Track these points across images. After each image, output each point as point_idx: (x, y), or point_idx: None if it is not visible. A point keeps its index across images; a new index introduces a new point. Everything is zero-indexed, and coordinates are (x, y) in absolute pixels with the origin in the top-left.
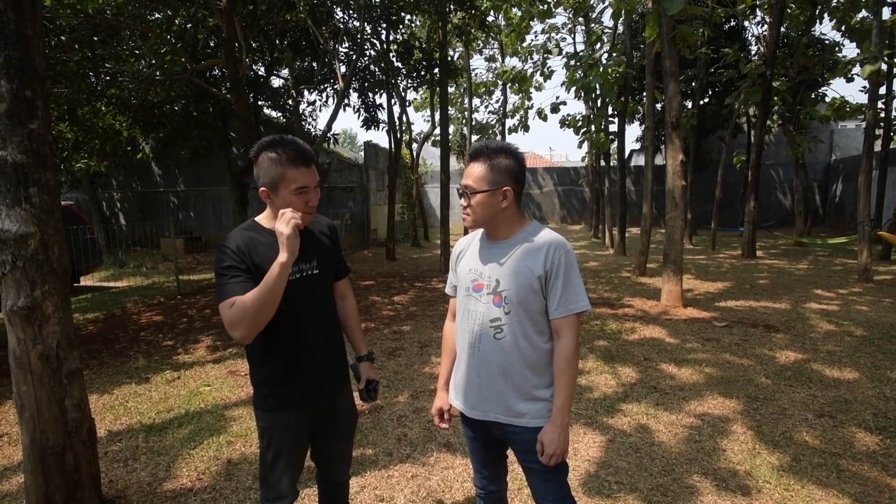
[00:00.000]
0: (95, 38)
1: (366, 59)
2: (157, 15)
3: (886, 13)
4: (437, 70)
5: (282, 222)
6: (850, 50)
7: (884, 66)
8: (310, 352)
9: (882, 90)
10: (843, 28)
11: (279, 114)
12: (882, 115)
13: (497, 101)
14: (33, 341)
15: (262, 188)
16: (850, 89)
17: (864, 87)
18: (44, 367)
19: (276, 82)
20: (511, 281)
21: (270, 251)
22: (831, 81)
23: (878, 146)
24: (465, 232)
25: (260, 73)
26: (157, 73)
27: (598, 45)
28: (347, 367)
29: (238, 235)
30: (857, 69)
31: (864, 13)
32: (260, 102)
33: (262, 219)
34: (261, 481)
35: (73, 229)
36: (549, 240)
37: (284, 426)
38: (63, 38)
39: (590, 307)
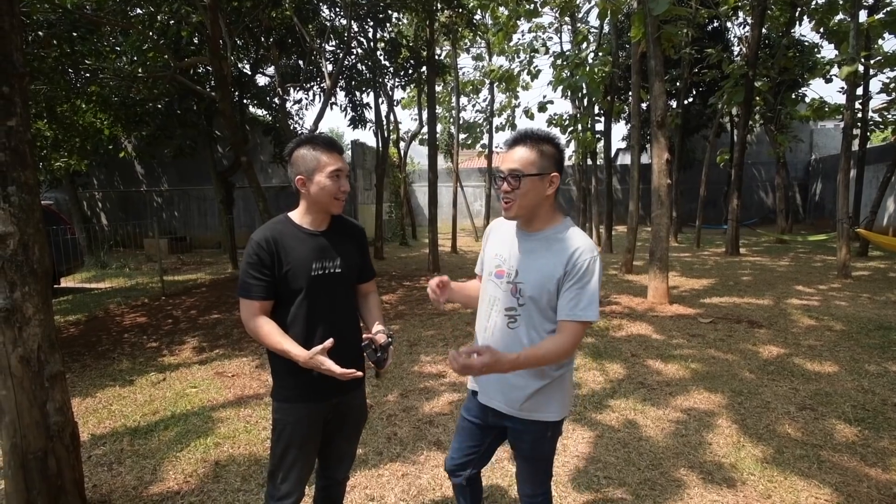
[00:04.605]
0: (75, 34)
1: (353, 57)
2: (138, 11)
3: (863, 16)
4: (424, 68)
5: (316, 362)
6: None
7: (860, 68)
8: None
9: (859, 91)
10: (821, 30)
11: (265, 112)
12: (859, 115)
13: (484, 100)
14: (13, 344)
15: (299, 176)
16: (828, 90)
17: (842, 87)
18: (24, 370)
19: (262, 80)
20: (530, 275)
21: (298, 245)
22: (811, 82)
23: (855, 145)
24: (454, 231)
25: (245, 70)
26: (140, 71)
27: (585, 45)
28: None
29: (268, 227)
30: (835, 70)
31: (841, 15)
32: (245, 100)
33: (294, 214)
34: (269, 477)
35: (53, 230)
36: (578, 242)
37: (297, 418)
38: (41, 33)
39: (597, 318)
